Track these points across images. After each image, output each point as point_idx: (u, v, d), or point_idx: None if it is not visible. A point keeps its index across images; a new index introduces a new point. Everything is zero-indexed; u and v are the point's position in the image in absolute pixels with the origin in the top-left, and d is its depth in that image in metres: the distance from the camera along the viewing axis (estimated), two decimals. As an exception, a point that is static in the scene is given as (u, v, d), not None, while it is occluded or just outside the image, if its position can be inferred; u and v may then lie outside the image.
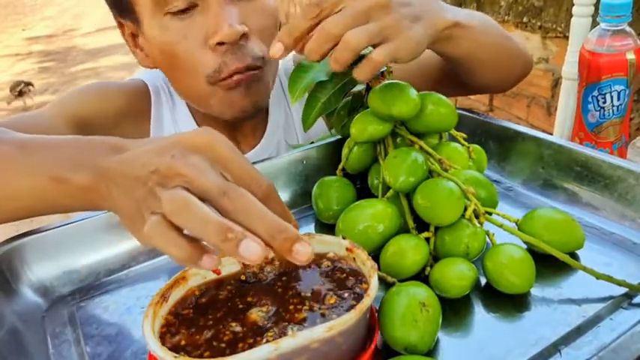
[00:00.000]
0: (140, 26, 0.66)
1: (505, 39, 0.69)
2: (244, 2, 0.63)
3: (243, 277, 0.40)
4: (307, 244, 0.33)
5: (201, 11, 0.61)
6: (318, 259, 0.41)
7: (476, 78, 0.69)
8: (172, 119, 0.77)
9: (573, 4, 0.91)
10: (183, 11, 0.61)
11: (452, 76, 0.72)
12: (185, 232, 0.34)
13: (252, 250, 0.32)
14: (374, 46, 0.47)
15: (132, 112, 0.74)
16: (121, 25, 0.69)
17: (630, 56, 0.68)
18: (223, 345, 0.34)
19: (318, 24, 0.47)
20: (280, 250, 0.33)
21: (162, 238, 0.34)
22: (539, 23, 1.52)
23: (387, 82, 0.55)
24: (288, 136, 0.82)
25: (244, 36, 0.62)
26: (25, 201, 0.45)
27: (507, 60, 0.71)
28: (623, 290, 0.43)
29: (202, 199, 0.34)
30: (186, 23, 0.62)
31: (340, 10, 0.46)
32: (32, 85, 4.25)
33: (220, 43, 0.61)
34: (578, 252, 0.48)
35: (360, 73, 0.47)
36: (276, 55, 0.47)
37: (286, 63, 0.84)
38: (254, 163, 0.60)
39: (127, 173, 0.37)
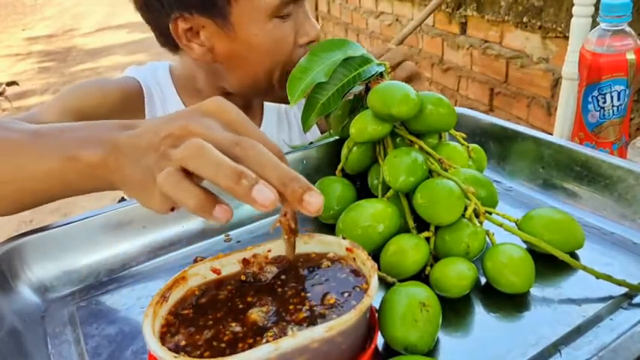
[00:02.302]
0: (226, 25, 0.68)
1: None
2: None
3: (243, 277, 0.40)
4: (318, 195, 0.33)
5: (295, 17, 0.70)
6: (318, 259, 0.41)
7: None
8: (164, 113, 0.78)
9: (573, 4, 0.91)
10: (285, 16, 0.69)
11: None
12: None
13: (266, 195, 0.32)
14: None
15: (127, 107, 0.76)
16: (174, 21, 0.69)
17: (630, 56, 0.68)
18: (223, 345, 0.34)
19: None
20: (292, 198, 0.33)
21: (176, 187, 0.34)
22: (539, 23, 1.52)
23: (386, 82, 0.55)
24: (282, 134, 0.86)
25: None
26: (40, 183, 0.45)
27: None
28: (623, 290, 0.43)
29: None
30: (288, 24, 0.69)
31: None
32: (17, 84, 4.23)
33: (309, 42, 0.71)
34: (578, 252, 0.48)
35: None
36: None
37: None
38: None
39: (138, 143, 0.38)
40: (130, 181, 0.38)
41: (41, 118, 0.67)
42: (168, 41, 0.73)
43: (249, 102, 0.83)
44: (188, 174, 0.34)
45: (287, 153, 0.63)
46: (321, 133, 0.88)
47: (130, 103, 0.76)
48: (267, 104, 0.85)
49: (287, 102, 0.71)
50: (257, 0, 0.67)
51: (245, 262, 0.41)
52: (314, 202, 0.33)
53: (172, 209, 0.37)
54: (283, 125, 0.87)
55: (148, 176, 0.36)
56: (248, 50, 0.70)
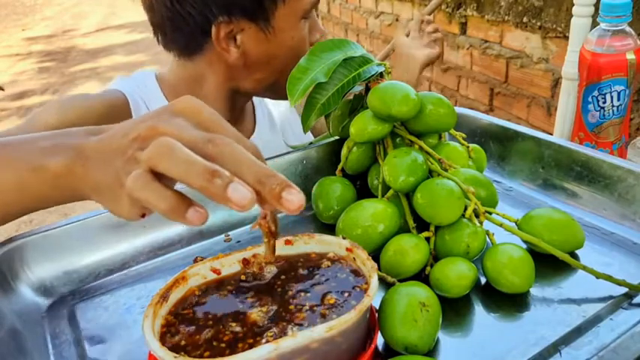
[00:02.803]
0: (267, 28, 0.70)
1: None
2: None
3: (243, 277, 0.40)
4: (297, 192, 0.31)
5: (311, 15, 0.74)
6: (318, 259, 0.41)
7: None
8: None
9: (573, 4, 0.91)
10: (309, 16, 0.73)
11: None
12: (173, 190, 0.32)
13: (242, 194, 0.30)
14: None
15: (113, 121, 0.74)
16: (217, 26, 0.69)
17: (630, 56, 0.68)
18: (223, 345, 0.34)
19: None
20: (269, 196, 0.31)
21: (145, 190, 0.32)
22: (539, 23, 1.52)
23: (386, 82, 0.55)
24: (275, 139, 0.86)
25: None
26: (9, 196, 0.43)
27: None
28: (623, 290, 0.43)
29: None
30: (307, 24, 0.74)
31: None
32: (2, 89, 4.20)
33: (316, 40, 0.74)
34: (578, 252, 0.48)
35: None
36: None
37: None
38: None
39: (107, 148, 0.36)
40: (98, 188, 0.36)
41: (25, 133, 0.66)
42: (190, 44, 0.72)
43: (249, 102, 0.83)
44: (158, 176, 0.32)
45: (287, 153, 0.63)
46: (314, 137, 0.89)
47: (115, 116, 0.74)
48: (259, 111, 0.86)
49: (278, 98, 0.76)
50: (299, 2, 0.70)
51: (245, 262, 0.41)
52: (293, 199, 0.31)
53: (143, 215, 0.35)
54: (276, 130, 0.87)
55: (116, 181, 0.34)
56: (282, 51, 0.72)
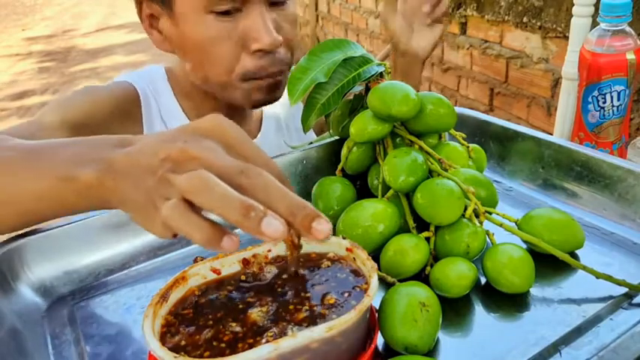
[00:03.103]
0: (172, 15, 0.67)
1: None
2: (277, 10, 0.67)
3: (243, 277, 0.40)
4: (326, 222, 0.32)
5: (244, 16, 0.65)
6: (318, 259, 0.41)
7: None
8: (163, 121, 0.77)
9: (573, 4, 0.91)
10: (226, 13, 0.64)
11: None
12: (204, 214, 0.33)
13: (275, 227, 0.31)
14: None
15: (122, 114, 0.74)
16: (139, 4, 0.70)
17: (630, 56, 0.68)
18: (223, 345, 0.34)
19: None
20: (300, 227, 0.32)
21: (182, 221, 0.32)
22: (539, 23, 1.52)
23: (386, 82, 0.55)
24: (280, 141, 0.84)
25: (279, 44, 0.66)
26: (35, 204, 0.44)
27: None
28: (623, 290, 0.43)
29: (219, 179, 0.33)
30: (229, 26, 0.65)
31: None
32: None
33: (259, 50, 0.65)
34: (578, 252, 0.48)
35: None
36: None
37: None
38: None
39: (136, 164, 0.36)
40: (129, 204, 0.37)
41: (34, 131, 0.65)
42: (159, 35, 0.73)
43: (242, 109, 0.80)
44: (192, 204, 0.33)
45: (287, 153, 0.63)
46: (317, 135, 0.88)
47: (125, 108, 0.75)
48: (266, 111, 0.84)
49: (243, 106, 0.70)
50: None
51: (245, 262, 0.41)
52: (322, 229, 0.32)
53: (175, 236, 0.36)
54: (282, 132, 0.86)
55: (148, 201, 0.35)
56: (190, 43, 0.68)
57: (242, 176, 0.33)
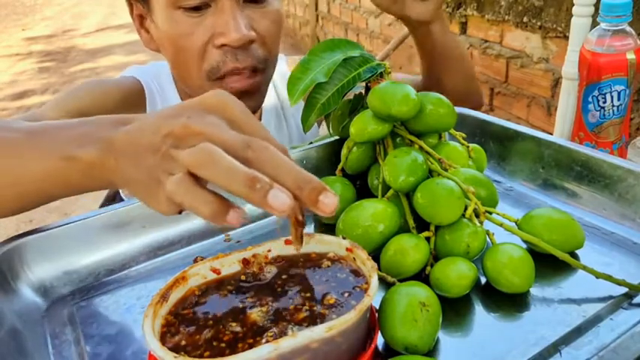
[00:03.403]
0: (151, 12, 0.68)
1: (468, 57, 0.77)
2: (253, 7, 0.65)
3: (243, 277, 0.40)
4: (333, 195, 0.32)
5: (213, 12, 0.64)
6: (318, 259, 0.41)
7: (444, 80, 0.77)
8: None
9: (573, 4, 0.91)
10: (195, 9, 0.63)
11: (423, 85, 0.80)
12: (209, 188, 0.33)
13: (282, 200, 0.31)
14: None
15: (128, 108, 0.76)
16: (130, 4, 0.71)
17: (630, 56, 0.68)
18: (223, 345, 0.34)
19: None
20: (307, 201, 0.32)
21: (188, 195, 0.32)
22: (539, 23, 1.52)
23: (386, 82, 0.55)
24: (281, 140, 0.83)
25: (251, 41, 0.65)
26: (39, 184, 0.44)
27: (469, 74, 0.80)
28: (623, 290, 0.43)
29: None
30: (197, 21, 0.64)
31: None
32: None
33: (224, 45, 0.64)
34: (578, 252, 0.48)
35: None
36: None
37: (280, 66, 0.85)
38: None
39: (137, 142, 0.36)
40: (132, 183, 0.37)
41: (41, 119, 0.67)
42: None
43: None
44: (197, 178, 0.33)
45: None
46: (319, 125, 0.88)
47: (131, 103, 0.76)
48: (266, 106, 0.84)
49: None
50: None
51: (245, 262, 0.41)
52: (329, 202, 0.32)
53: (180, 212, 0.35)
54: (282, 125, 0.86)
55: (152, 179, 0.35)
56: (166, 42, 0.68)
57: (248, 150, 0.33)
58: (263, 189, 0.31)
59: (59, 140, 0.42)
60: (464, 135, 0.58)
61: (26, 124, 0.47)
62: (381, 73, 0.59)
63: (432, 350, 0.39)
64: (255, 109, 0.72)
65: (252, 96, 0.69)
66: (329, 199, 0.32)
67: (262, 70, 0.68)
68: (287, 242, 0.42)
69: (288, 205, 0.31)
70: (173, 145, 0.34)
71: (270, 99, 0.84)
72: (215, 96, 0.36)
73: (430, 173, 0.51)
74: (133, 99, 0.77)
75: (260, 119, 0.83)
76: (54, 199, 0.47)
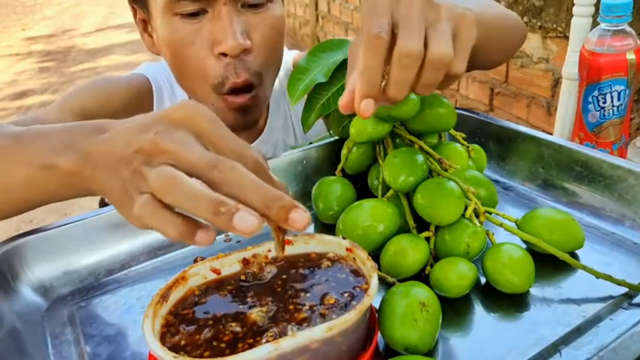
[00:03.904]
0: (151, 18, 0.68)
1: (502, 19, 0.68)
2: (252, 13, 0.64)
3: (243, 277, 0.40)
4: (303, 211, 0.32)
5: (210, 18, 0.62)
6: (318, 259, 0.41)
7: (478, 62, 0.66)
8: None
9: (573, 4, 0.91)
10: (192, 15, 0.62)
11: None
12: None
13: (248, 222, 0.30)
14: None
15: (134, 107, 0.76)
16: (133, 9, 0.71)
17: (630, 56, 0.68)
18: (223, 345, 0.34)
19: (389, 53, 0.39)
20: (277, 220, 0.32)
21: (154, 218, 0.32)
22: (539, 23, 1.52)
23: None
24: (287, 137, 0.83)
25: (246, 50, 0.63)
26: (22, 192, 0.44)
27: (508, 39, 0.70)
28: (623, 290, 0.43)
29: (191, 174, 0.33)
30: (195, 28, 0.63)
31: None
32: None
33: (223, 54, 0.63)
34: (578, 252, 0.48)
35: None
36: (368, 113, 0.39)
37: (287, 65, 0.84)
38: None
39: (110, 154, 0.36)
40: (108, 192, 0.37)
41: (45, 119, 0.67)
42: None
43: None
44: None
45: (287, 153, 0.63)
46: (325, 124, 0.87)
47: (137, 102, 0.76)
48: (273, 106, 0.82)
49: (234, 127, 0.66)
50: None
51: (245, 262, 0.41)
52: (299, 219, 0.32)
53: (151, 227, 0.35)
54: (289, 128, 0.85)
55: (125, 192, 0.35)
56: (163, 47, 0.67)
57: (214, 170, 0.33)
58: (229, 212, 0.30)
59: (40, 148, 0.42)
60: (464, 135, 0.58)
61: (15, 129, 0.47)
62: (381, 73, 0.59)
63: (432, 350, 0.39)
64: (257, 120, 0.71)
65: (249, 110, 0.68)
66: (299, 215, 0.32)
67: (257, 85, 0.67)
68: (287, 242, 0.42)
69: (254, 226, 0.30)
70: (143, 162, 0.34)
71: (277, 99, 0.82)
72: (183, 109, 0.36)
73: (430, 173, 0.51)
74: (140, 98, 0.76)
75: (267, 119, 0.82)
76: (33, 207, 0.46)
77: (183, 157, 0.33)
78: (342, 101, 0.40)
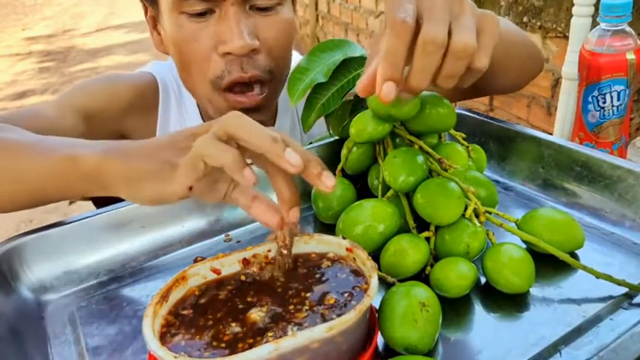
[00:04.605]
0: (160, 15, 0.68)
1: (523, 40, 0.68)
2: (260, 15, 0.64)
3: (243, 277, 0.40)
4: (332, 176, 0.38)
5: (217, 18, 0.62)
6: (318, 259, 0.41)
7: (496, 82, 0.69)
8: (179, 114, 0.78)
9: (573, 4, 0.91)
10: (200, 15, 0.62)
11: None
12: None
13: (295, 157, 0.36)
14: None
15: (139, 106, 0.75)
16: (144, 6, 0.71)
17: (630, 56, 0.68)
18: (223, 345, 0.34)
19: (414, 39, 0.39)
20: (311, 173, 0.37)
21: (212, 147, 0.36)
22: (539, 23, 1.52)
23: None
24: (296, 139, 0.82)
25: (254, 50, 0.63)
26: (42, 182, 0.46)
27: (525, 61, 0.71)
28: (623, 290, 0.43)
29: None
30: (201, 27, 0.63)
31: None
32: None
33: (228, 53, 0.63)
34: (578, 252, 0.48)
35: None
36: (389, 97, 0.39)
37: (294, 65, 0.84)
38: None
39: (152, 144, 0.41)
40: (136, 174, 0.40)
41: (46, 112, 0.66)
42: None
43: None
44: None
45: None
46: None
47: (142, 100, 0.75)
48: (281, 109, 0.81)
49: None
50: None
51: (245, 262, 0.41)
52: (329, 179, 0.38)
53: (191, 188, 0.39)
54: (297, 129, 0.85)
55: (163, 166, 0.39)
56: (170, 45, 0.67)
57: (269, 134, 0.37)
58: (283, 145, 0.36)
59: (66, 143, 0.46)
60: (464, 135, 0.58)
61: (36, 136, 0.51)
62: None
63: (432, 350, 0.39)
64: (264, 122, 0.71)
65: (259, 112, 0.68)
66: (329, 177, 0.38)
67: (267, 82, 0.66)
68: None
69: (299, 163, 0.36)
70: (193, 141, 0.38)
71: (286, 101, 0.82)
72: (231, 117, 0.39)
73: (430, 173, 0.51)
74: (145, 97, 0.76)
75: (275, 120, 0.81)
76: (57, 199, 0.49)
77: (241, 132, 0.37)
78: (361, 84, 0.41)
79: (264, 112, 0.69)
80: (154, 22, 0.71)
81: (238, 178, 0.36)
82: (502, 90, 0.75)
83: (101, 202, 0.85)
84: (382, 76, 0.39)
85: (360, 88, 0.41)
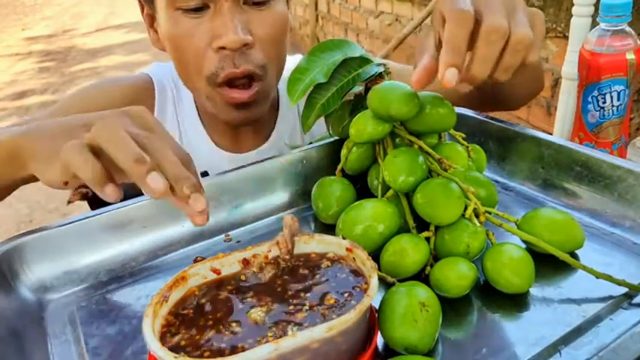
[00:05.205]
0: (156, 13, 0.68)
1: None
2: (255, 10, 0.64)
3: (243, 277, 0.41)
4: (204, 201, 0.36)
5: (212, 13, 0.63)
6: (318, 259, 0.41)
7: (515, 90, 0.71)
8: (176, 115, 0.78)
9: (573, 4, 0.91)
10: (194, 10, 0.63)
11: (476, 95, 0.74)
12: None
13: (158, 183, 0.35)
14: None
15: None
16: (141, 4, 0.72)
17: (630, 56, 0.68)
18: (223, 345, 0.34)
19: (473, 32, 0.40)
20: (180, 194, 0.36)
21: (76, 155, 0.36)
22: (539, 23, 1.52)
23: (386, 82, 0.55)
24: (295, 142, 0.82)
25: (247, 45, 0.63)
26: None
27: (537, 76, 0.74)
28: (623, 290, 0.43)
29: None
30: (196, 22, 0.63)
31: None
32: None
33: (222, 48, 0.63)
34: (578, 252, 0.49)
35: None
36: (452, 83, 0.40)
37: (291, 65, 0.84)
38: (255, 162, 0.60)
39: (58, 126, 0.44)
40: (38, 155, 0.42)
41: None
42: None
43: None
44: (95, 152, 0.37)
45: (287, 153, 0.63)
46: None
47: (137, 102, 0.75)
48: (282, 110, 0.81)
49: (234, 122, 0.70)
50: None
51: (245, 262, 0.41)
52: (197, 202, 0.36)
53: (66, 183, 0.40)
54: (297, 131, 0.84)
55: (55, 152, 0.39)
56: (166, 41, 0.68)
57: (145, 138, 0.37)
58: (146, 167, 0.35)
59: (7, 130, 0.49)
60: (464, 135, 0.58)
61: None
62: (381, 73, 0.59)
63: (432, 350, 0.39)
64: (259, 116, 0.71)
65: (252, 106, 0.68)
66: (198, 199, 0.36)
67: (260, 77, 0.66)
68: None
69: (161, 189, 0.35)
70: (86, 131, 0.38)
71: (288, 100, 0.82)
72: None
73: (430, 173, 0.51)
74: (141, 99, 0.76)
75: (276, 120, 0.81)
76: None
77: (125, 127, 0.38)
78: (415, 75, 0.42)
79: (260, 107, 0.69)
80: (151, 19, 0.71)
81: (98, 193, 0.36)
82: (512, 103, 0.77)
83: (97, 203, 0.86)
84: (445, 62, 0.39)
85: (414, 79, 0.42)
